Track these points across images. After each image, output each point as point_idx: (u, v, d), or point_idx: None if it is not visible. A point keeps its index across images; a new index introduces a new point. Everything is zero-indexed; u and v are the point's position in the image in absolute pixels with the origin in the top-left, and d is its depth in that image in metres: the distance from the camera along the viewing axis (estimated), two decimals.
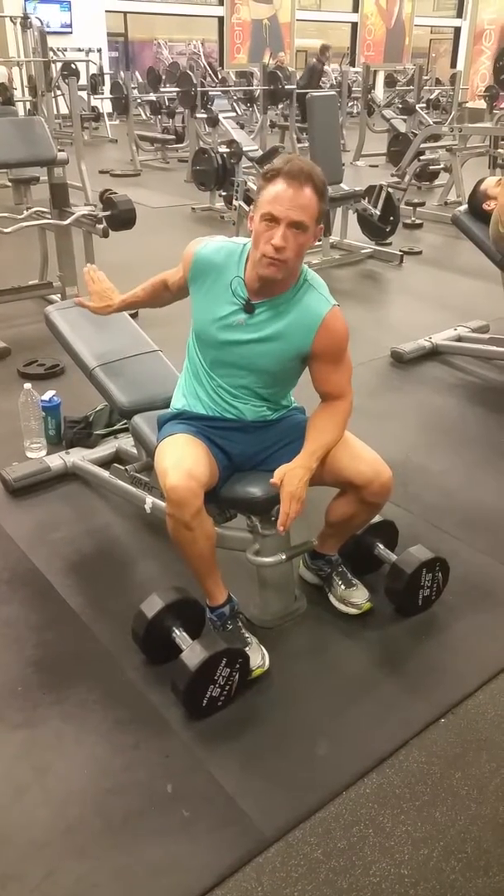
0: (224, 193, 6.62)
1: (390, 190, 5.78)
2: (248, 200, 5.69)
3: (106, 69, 14.32)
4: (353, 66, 16.20)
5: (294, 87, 10.28)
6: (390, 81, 15.02)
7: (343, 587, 2.07)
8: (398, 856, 1.45)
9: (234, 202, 5.90)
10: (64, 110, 10.70)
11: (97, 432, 2.87)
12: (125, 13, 16.67)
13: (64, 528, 2.43)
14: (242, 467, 1.90)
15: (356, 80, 12.46)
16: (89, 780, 1.59)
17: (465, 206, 3.80)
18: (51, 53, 9.85)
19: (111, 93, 11.78)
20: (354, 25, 20.03)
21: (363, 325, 4.40)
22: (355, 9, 19.88)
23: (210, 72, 13.28)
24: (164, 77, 11.81)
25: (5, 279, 4.47)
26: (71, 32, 14.87)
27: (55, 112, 9.97)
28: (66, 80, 9.57)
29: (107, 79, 13.41)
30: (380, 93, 14.16)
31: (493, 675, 1.87)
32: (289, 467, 1.74)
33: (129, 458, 2.64)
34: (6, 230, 3.97)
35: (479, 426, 3.24)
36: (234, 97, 11.33)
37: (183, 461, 1.70)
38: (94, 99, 12.85)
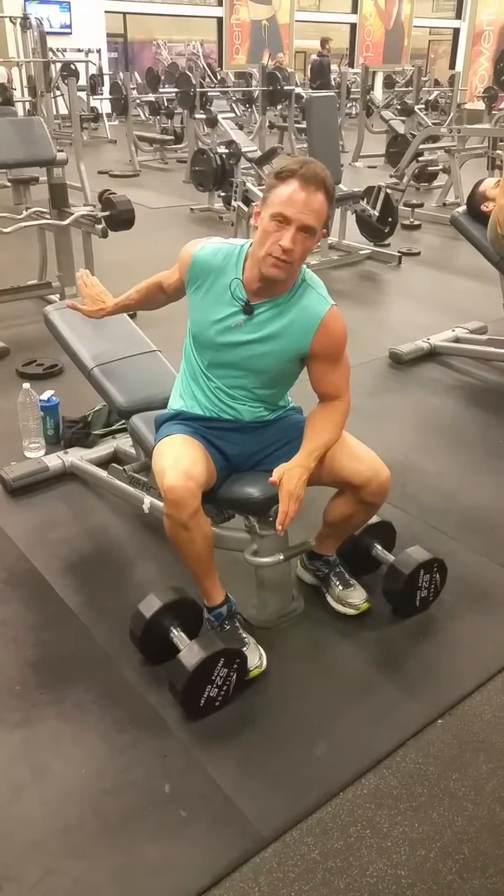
0: (223, 194, 6.62)
1: (389, 191, 5.79)
2: (247, 201, 5.69)
3: (105, 70, 14.33)
4: (352, 67, 16.23)
5: (293, 87, 10.29)
6: (389, 82, 15.04)
7: (340, 588, 2.07)
8: (395, 856, 1.45)
9: (233, 203, 5.90)
10: (63, 111, 10.70)
11: (95, 432, 2.87)
12: (124, 14, 16.68)
13: (62, 528, 2.43)
14: (240, 468, 1.90)
15: (355, 80, 12.48)
16: (87, 780, 1.59)
17: (463, 208, 3.81)
18: (50, 54, 9.86)
19: (110, 93, 11.79)
20: (353, 26, 20.05)
21: (361, 326, 4.40)
22: (354, 10, 19.90)
23: (209, 72, 13.28)
24: (163, 78, 11.80)
25: (4, 279, 4.47)
26: (70, 33, 14.87)
27: (54, 112, 9.98)
28: (66, 81, 9.58)
29: (106, 79, 13.42)
30: (378, 94, 14.17)
31: (490, 677, 1.87)
32: (287, 466, 1.74)
33: (127, 459, 2.64)
34: (5, 230, 3.97)
35: (476, 427, 3.24)
36: (233, 98, 11.32)
37: (180, 461, 1.70)
38: (94, 99, 12.86)
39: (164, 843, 1.47)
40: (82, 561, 2.29)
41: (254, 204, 1.76)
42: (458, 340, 3.98)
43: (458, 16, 21.45)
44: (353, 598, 2.05)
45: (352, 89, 12.58)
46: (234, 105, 11.16)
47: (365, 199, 5.71)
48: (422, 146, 7.18)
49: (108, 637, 1.96)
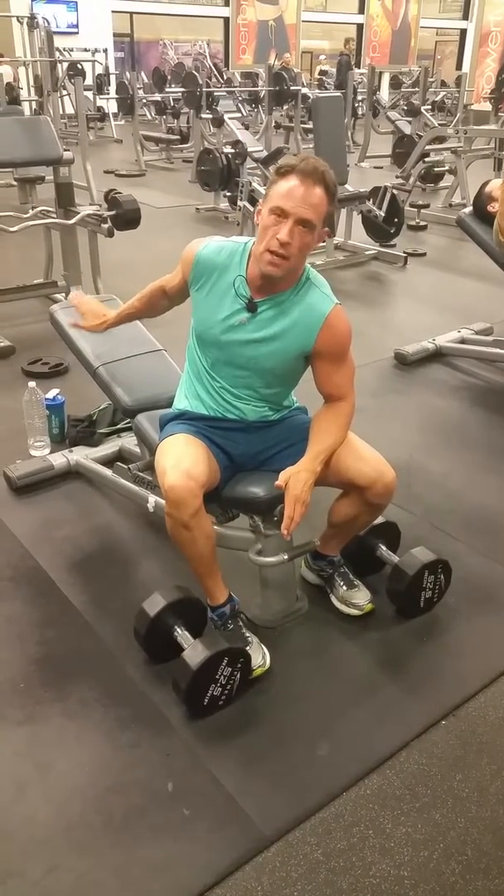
0: (228, 194, 6.62)
1: (395, 191, 5.79)
2: (253, 201, 5.69)
3: (112, 69, 14.35)
4: (359, 68, 16.20)
5: (299, 87, 10.29)
6: (395, 83, 15.06)
7: (345, 588, 2.07)
8: (398, 857, 1.45)
9: (239, 203, 5.90)
10: (70, 110, 10.73)
11: (100, 431, 2.88)
12: (131, 13, 16.68)
13: (67, 527, 2.44)
14: (244, 467, 1.90)
15: (361, 81, 12.47)
16: (90, 778, 1.59)
17: (469, 209, 3.80)
18: (57, 53, 9.87)
19: (117, 93, 11.81)
20: (360, 27, 20.02)
21: (367, 327, 4.40)
22: (361, 10, 19.87)
23: (215, 72, 13.28)
24: (169, 77, 11.82)
25: (10, 278, 4.49)
26: (77, 33, 14.88)
27: (61, 112, 10.01)
28: (72, 80, 9.59)
29: (112, 79, 13.44)
30: (385, 94, 14.18)
31: (494, 678, 1.87)
32: (293, 470, 1.74)
33: (132, 457, 2.64)
34: (12, 229, 3.98)
35: (482, 428, 3.24)
36: (240, 98, 11.34)
37: (182, 461, 1.70)
38: (100, 99, 12.87)
39: (167, 841, 1.47)
40: (87, 559, 2.30)
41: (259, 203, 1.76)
42: (463, 341, 3.98)
43: (465, 17, 21.42)
44: (357, 598, 2.05)
45: (358, 89, 12.57)
46: (240, 105, 11.18)
47: (371, 200, 5.71)
48: (428, 147, 7.18)
49: (112, 635, 1.97)
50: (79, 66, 11.99)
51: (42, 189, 6.60)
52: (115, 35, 16.07)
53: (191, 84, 8.91)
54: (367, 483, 1.81)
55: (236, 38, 17.78)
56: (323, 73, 14.82)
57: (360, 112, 11.94)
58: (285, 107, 10.84)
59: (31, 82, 11.24)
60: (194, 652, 1.69)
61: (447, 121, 11.30)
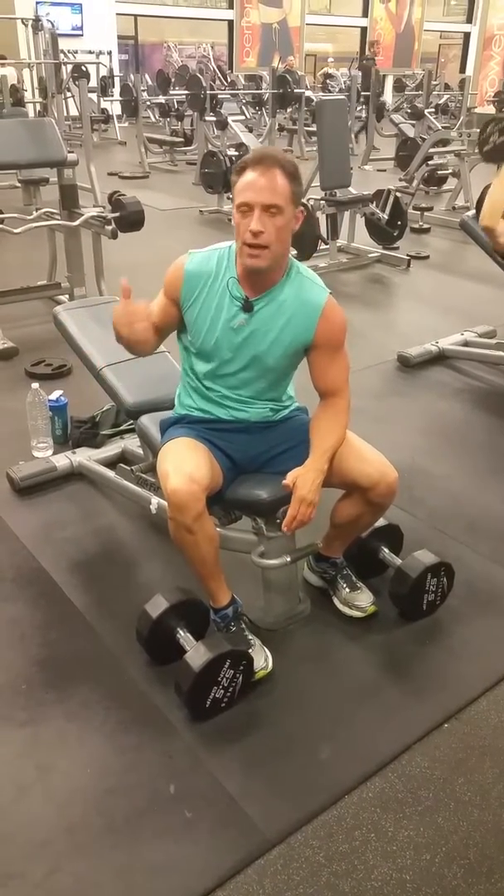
0: (232, 196, 6.63)
1: (398, 194, 5.79)
2: None
3: (116, 72, 14.38)
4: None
5: (303, 90, 10.31)
6: (399, 86, 15.05)
7: (347, 590, 2.06)
8: (400, 860, 1.45)
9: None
10: (74, 112, 10.73)
11: (103, 432, 2.88)
12: (136, 16, 16.73)
13: (69, 528, 2.44)
14: (246, 469, 1.90)
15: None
16: (92, 780, 1.59)
17: (473, 212, 3.79)
18: (61, 56, 9.90)
19: (121, 95, 11.82)
20: (364, 30, 20.05)
21: (370, 329, 4.40)
22: (365, 13, 19.91)
23: (219, 75, 13.31)
24: (173, 80, 11.84)
25: (14, 279, 4.49)
26: (82, 35, 14.93)
27: (65, 114, 10.02)
28: (77, 83, 9.60)
29: (117, 81, 13.46)
30: (388, 97, 14.18)
31: (497, 681, 1.87)
32: (301, 471, 1.74)
33: (134, 459, 2.64)
34: (16, 230, 3.99)
35: (485, 431, 3.23)
36: (243, 100, 11.33)
37: (184, 465, 1.70)
38: (104, 101, 12.90)
39: (169, 843, 1.46)
40: (89, 561, 2.30)
41: None
42: (466, 344, 3.97)
43: (469, 20, 21.44)
44: (359, 600, 2.05)
45: (362, 93, 12.57)
46: (244, 108, 11.17)
47: (374, 203, 5.71)
48: (431, 150, 7.18)
49: (114, 637, 1.97)
50: (83, 68, 12.06)
51: (46, 191, 6.60)
52: (119, 37, 16.12)
53: (195, 87, 8.91)
54: (370, 484, 1.81)
55: (240, 40, 17.83)
56: (328, 76, 14.79)
57: (363, 115, 11.95)
58: (289, 109, 10.86)
59: (36, 84, 11.26)
60: (197, 654, 1.69)
61: (451, 124, 11.29)
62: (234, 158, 6.53)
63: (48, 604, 2.10)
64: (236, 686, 1.74)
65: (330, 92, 13.24)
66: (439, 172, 8.14)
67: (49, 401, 2.85)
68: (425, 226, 6.89)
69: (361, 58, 18.53)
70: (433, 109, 10.76)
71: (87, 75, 11.69)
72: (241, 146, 7.23)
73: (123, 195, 4.12)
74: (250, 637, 1.87)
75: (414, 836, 1.50)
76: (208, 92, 8.79)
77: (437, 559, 2.03)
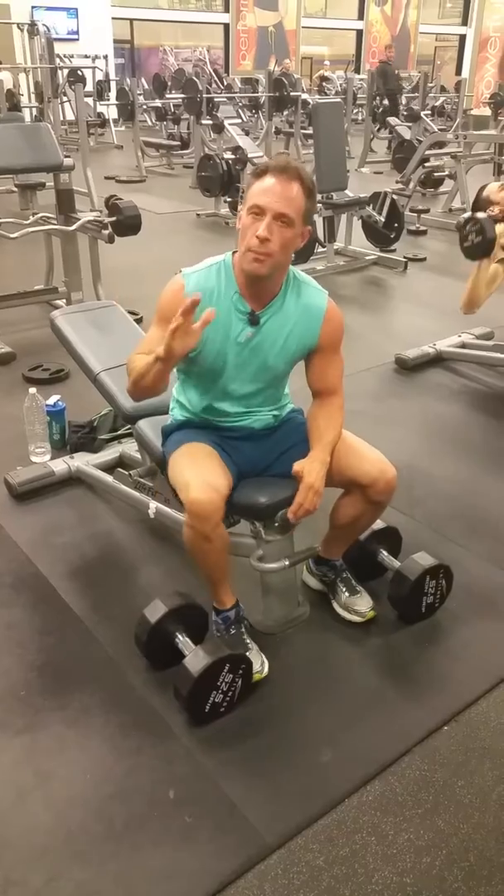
0: (229, 199, 6.64)
1: (395, 196, 5.80)
2: None
3: (112, 76, 14.38)
4: (359, 73, 16.26)
5: (299, 93, 10.32)
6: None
7: (347, 594, 2.06)
8: (400, 864, 1.45)
9: (239, 208, 5.92)
10: (70, 116, 10.77)
11: (101, 437, 2.87)
12: (131, 20, 16.76)
13: (67, 533, 2.43)
14: (248, 475, 1.90)
15: (361, 86, 12.50)
16: (91, 786, 1.59)
17: (469, 213, 3.80)
18: (57, 60, 9.91)
19: (117, 99, 11.83)
20: (360, 33, 20.10)
21: (367, 332, 4.40)
22: (361, 16, 19.96)
23: (215, 78, 13.33)
24: (169, 83, 11.86)
25: (11, 284, 4.49)
26: (77, 39, 14.95)
27: (61, 118, 10.04)
28: (73, 87, 9.63)
29: (113, 85, 13.46)
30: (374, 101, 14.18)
31: (496, 683, 1.86)
32: (307, 461, 1.76)
33: (132, 463, 2.64)
34: (12, 235, 3.99)
35: (483, 433, 3.23)
36: (240, 104, 11.37)
37: (203, 473, 1.69)
38: (100, 105, 12.90)
39: (169, 849, 1.46)
40: (88, 565, 2.30)
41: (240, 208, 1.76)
42: (464, 346, 3.98)
43: (465, 22, 21.50)
44: (359, 605, 2.05)
45: (358, 95, 12.60)
46: (240, 111, 11.21)
47: (371, 205, 5.72)
48: (428, 152, 7.19)
49: (113, 642, 1.96)
50: (79, 72, 12.07)
51: (43, 195, 6.62)
52: (115, 41, 16.14)
53: (191, 90, 8.93)
54: (369, 481, 1.82)
55: (236, 44, 17.86)
56: (324, 79, 14.82)
57: (359, 117, 11.96)
58: (285, 112, 10.88)
59: (32, 89, 11.28)
60: (196, 658, 1.68)
61: (447, 126, 11.32)
62: (230, 162, 6.54)
63: (46, 609, 2.10)
64: (235, 690, 1.74)
65: (326, 94, 13.27)
66: (436, 174, 8.16)
67: (46, 406, 2.85)
68: (422, 228, 6.90)
69: (357, 63, 18.59)
70: (429, 112, 10.78)
71: (83, 80, 11.68)
72: (237, 149, 7.22)
73: (120, 199, 4.12)
74: (248, 641, 1.87)
75: (414, 839, 1.49)
76: (205, 95, 8.81)
77: (436, 561, 2.03)
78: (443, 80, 17.26)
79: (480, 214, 3.44)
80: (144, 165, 9.98)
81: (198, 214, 7.27)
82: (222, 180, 6.57)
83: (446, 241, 6.53)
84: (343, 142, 6.47)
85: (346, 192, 5.53)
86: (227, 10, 17.66)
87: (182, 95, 9.38)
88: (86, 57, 13.38)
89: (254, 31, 18.03)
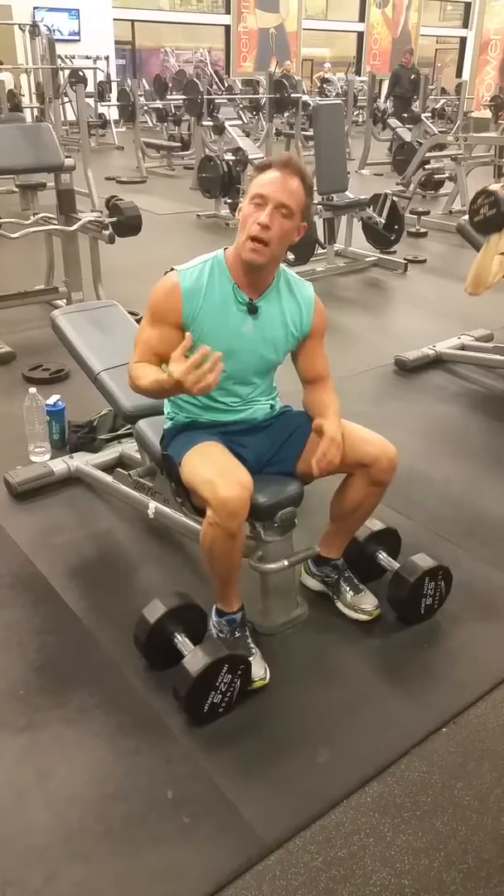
0: (229, 201, 6.64)
1: (395, 198, 5.80)
2: None
3: (113, 76, 14.39)
4: (359, 75, 16.27)
5: (300, 95, 10.33)
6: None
7: (352, 594, 2.07)
8: (399, 865, 1.45)
9: (240, 203, 5.92)
10: (71, 117, 10.77)
11: (101, 437, 2.87)
12: (133, 21, 16.77)
13: (67, 533, 2.43)
14: (253, 471, 1.89)
15: (362, 88, 12.51)
16: (90, 785, 1.59)
17: (481, 187, 3.78)
18: (59, 61, 9.91)
19: (118, 100, 11.85)
20: (360, 35, 20.12)
21: (367, 333, 4.41)
22: (361, 18, 19.98)
23: (216, 80, 13.33)
24: (170, 85, 11.86)
25: (12, 284, 4.49)
26: (79, 40, 14.95)
27: (62, 119, 10.04)
28: (74, 87, 9.64)
29: (114, 86, 13.47)
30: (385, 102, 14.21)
31: (495, 685, 1.87)
32: (324, 420, 1.80)
33: (132, 463, 2.64)
34: (13, 235, 3.99)
35: (482, 435, 3.24)
36: (240, 105, 11.37)
37: (228, 470, 1.69)
38: (101, 106, 12.91)
39: (167, 849, 1.46)
40: (87, 565, 2.30)
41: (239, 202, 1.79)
42: (463, 348, 3.98)
43: (465, 25, 21.52)
44: (365, 603, 2.05)
45: (358, 97, 12.61)
46: (241, 112, 11.21)
47: (371, 207, 5.72)
48: (428, 154, 7.20)
49: (112, 642, 1.96)
50: (80, 73, 12.07)
51: (43, 195, 6.62)
52: (116, 42, 16.15)
53: (192, 91, 8.93)
54: (371, 460, 1.86)
55: (237, 45, 17.87)
56: (325, 80, 14.83)
57: (360, 119, 11.96)
58: (286, 114, 10.89)
59: (33, 89, 11.29)
60: (194, 658, 1.68)
61: (447, 128, 11.33)
62: (231, 163, 6.55)
63: (46, 609, 2.10)
64: (234, 691, 1.74)
65: (327, 96, 13.28)
66: (436, 176, 8.17)
67: (46, 405, 2.85)
68: (422, 230, 6.91)
69: (358, 65, 18.60)
70: (430, 114, 10.79)
71: (84, 80, 11.70)
72: (238, 150, 7.24)
73: (121, 200, 4.13)
74: (252, 646, 1.86)
75: (412, 840, 1.49)
76: (205, 97, 8.81)
77: (436, 563, 2.03)
78: (443, 83, 17.27)
79: (494, 187, 3.37)
80: (145, 166, 9.99)
81: (198, 215, 7.27)
82: (223, 181, 6.58)
83: (446, 243, 6.54)
84: (343, 143, 6.48)
85: (347, 193, 5.54)
86: (228, 11, 17.67)
87: (183, 97, 9.38)
88: (87, 58, 13.38)
89: (255, 32, 18.04)
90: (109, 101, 12.91)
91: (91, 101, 12.04)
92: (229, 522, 1.64)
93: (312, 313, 1.87)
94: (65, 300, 4.37)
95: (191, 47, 17.91)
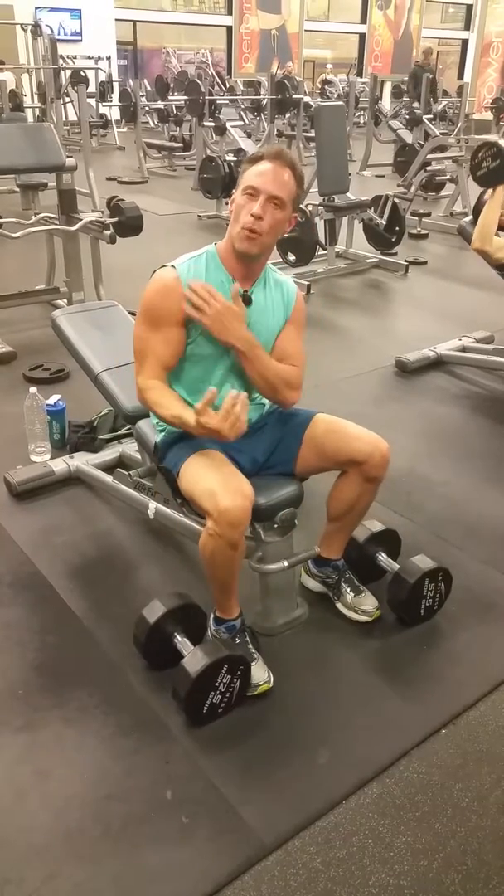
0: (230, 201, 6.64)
1: (396, 200, 5.80)
2: None
3: (115, 77, 14.42)
4: (361, 77, 16.29)
5: (302, 96, 10.34)
6: (397, 92, 15.11)
7: (352, 594, 2.07)
8: (398, 866, 1.45)
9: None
10: (73, 117, 10.76)
11: (101, 437, 2.87)
12: (134, 22, 16.79)
13: (67, 532, 2.43)
14: (249, 475, 1.89)
15: (363, 90, 12.52)
16: (89, 785, 1.59)
17: (470, 217, 3.82)
18: (60, 61, 9.92)
19: (119, 100, 11.88)
20: (362, 36, 20.14)
21: (367, 334, 4.41)
22: (363, 20, 20.00)
23: (218, 81, 13.35)
24: (172, 85, 11.87)
25: (13, 284, 4.50)
26: (81, 40, 14.98)
27: (64, 119, 10.04)
28: (76, 88, 9.65)
29: (115, 86, 13.49)
30: (387, 103, 14.23)
31: (494, 687, 1.86)
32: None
33: (132, 463, 2.64)
34: (14, 235, 3.99)
35: (482, 437, 3.24)
36: (242, 106, 11.38)
37: (228, 480, 1.68)
38: (103, 106, 12.92)
39: (166, 849, 1.46)
40: (87, 565, 2.30)
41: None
42: (464, 350, 3.98)
43: (467, 27, 21.54)
44: (365, 604, 2.05)
45: (360, 98, 12.62)
46: (242, 113, 11.22)
47: (372, 208, 5.72)
48: (429, 156, 7.20)
49: (111, 642, 1.96)
50: (82, 73, 12.08)
51: (45, 195, 6.62)
52: (118, 43, 16.17)
53: (193, 92, 8.93)
54: (364, 457, 1.86)
55: (239, 46, 17.89)
56: (326, 82, 14.84)
57: (361, 121, 11.96)
58: (287, 115, 10.89)
59: (35, 89, 11.30)
60: (194, 659, 1.68)
61: (448, 130, 11.32)
62: (232, 164, 6.55)
63: (45, 608, 2.10)
64: (234, 691, 1.73)
65: (328, 98, 13.29)
66: (437, 178, 8.18)
67: (47, 405, 2.85)
68: (423, 231, 6.91)
69: (359, 66, 18.60)
70: (431, 116, 10.80)
71: (85, 80, 11.71)
72: (239, 151, 7.24)
73: (122, 200, 4.13)
74: (253, 651, 1.85)
75: (411, 842, 1.49)
76: (207, 97, 8.81)
77: (435, 564, 2.03)
78: (444, 85, 17.28)
79: (494, 137, 3.36)
80: (146, 167, 9.99)
81: (199, 216, 7.28)
82: (224, 182, 6.57)
83: (447, 245, 6.54)
84: (345, 145, 6.48)
85: (348, 195, 5.54)
86: (230, 12, 17.69)
87: (184, 97, 9.38)
88: (89, 58, 13.40)
89: (256, 33, 18.06)
90: (111, 101, 12.93)
91: (92, 101, 12.04)
92: (230, 533, 1.63)
93: (294, 301, 1.91)
94: (66, 300, 4.37)
95: (193, 48, 17.93)
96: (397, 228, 5.82)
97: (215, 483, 1.67)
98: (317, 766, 1.65)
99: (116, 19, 15.94)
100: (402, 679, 1.90)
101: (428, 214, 7.33)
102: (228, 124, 8.47)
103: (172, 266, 1.80)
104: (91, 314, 2.64)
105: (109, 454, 2.78)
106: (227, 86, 13.47)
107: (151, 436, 2.08)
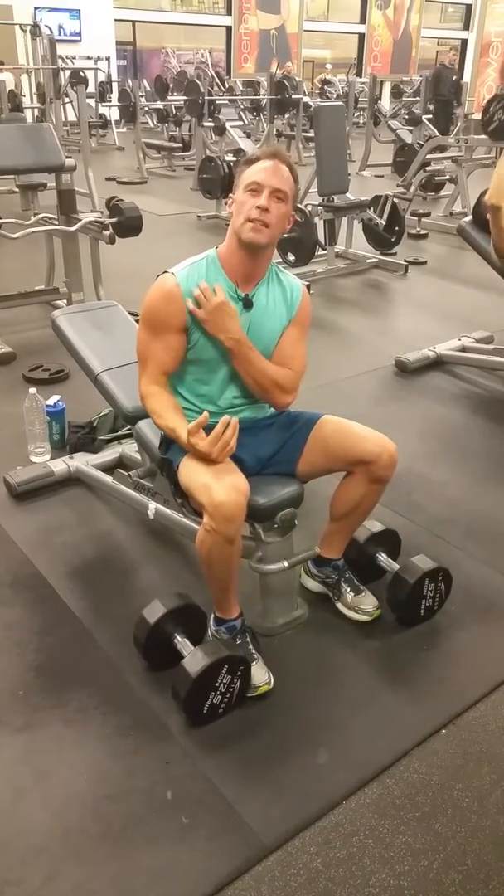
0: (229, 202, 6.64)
1: (396, 200, 5.81)
2: None
3: (114, 77, 14.41)
4: (360, 77, 16.29)
5: (301, 96, 10.34)
6: (396, 92, 15.11)
7: (352, 594, 2.06)
8: (398, 867, 1.45)
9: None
10: (72, 117, 10.77)
11: (101, 437, 2.87)
12: (134, 22, 16.79)
13: (67, 533, 2.43)
14: (251, 474, 1.89)
15: (363, 90, 12.52)
16: (89, 786, 1.59)
17: (469, 217, 3.81)
18: (60, 61, 9.92)
19: (119, 101, 11.86)
20: (361, 36, 20.15)
21: (367, 334, 4.41)
22: (363, 20, 20.01)
23: (217, 81, 13.33)
24: (171, 85, 11.86)
25: (12, 284, 4.50)
26: (80, 41, 14.98)
27: (63, 119, 10.04)
28: (75, 88, 9.65)
29: (115, 87, 13.49)
30: (386, 103, 14.23)
31: (494, 687, 1.86)
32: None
33: (132, 464, 2.64)
34: (13, 236, 3.99)
35: (482, 437, 3.24)
36: (241, 106, 11.38)
37: (223, 475, 1.68)
38: (102, 106, 12.93)
39: (165, 849, 1.46)
40: (87, 566, 2.30)
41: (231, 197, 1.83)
42: (464, 349, 3.98)
43: (466, 27, 21.54)
44: (365, 604, 2.05)
45: (359, 99, 12.62)
46: (242, 113, 11.22)
47: (372, 208, 5.72)
48: (429, 156, 7.21)
49: (111, 642, 1.96)
50: (81, 73, 12.09)
51: (44, 196, 6.62)
52: (117, 43, 16.17)
53: (193, 92, 8.94)
54: (372, 457, 1.86)
55: (238, 46, 17.90)
56: (326, 82, 14.85)
57: (361, 121, 11.96)
58: (287, 115, 10.89)
59: (34, 90, 11.30)
60: (194, 659, 1.68)
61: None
62: (231, 164, 6.55)
63: (45, 609, 2.10)
64: (234, 692, 1.73)
65: (328, 98, 13.30)
66: (437, 178, 8.18)
67: (46, 406, 2.85)
68: (423, 231, 6.91)
69: (359, 67, 18.60)
70: (430, 115, 10.80)
71: (85, 81, 11.72)
72: (238, 151, 7.25)
73: (121, 200, 4.13)
74: (253, 652, 1.85)
75: (412, 842, 1.49)
76: (206, 98, 8.81)
77: (435, 564, 2.03)
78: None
79: None
80: (146, 167, 9.99)
81: (199, 216, 7.28)
82: (223, 182, 6.57)
83: (447, 245, 6.54)
84: (344, 145, 6.48)
85: (348, 195, 5.54)
86: (229, 12, 17.69)
87: (184, 97, 9.39)
88: (88, 58, 13.40)
89: (256, 33, 18.06)
90: (110, 101, 12.93)
91: (92, 101, 12.05)
92: (226, 527, 1.63)
93: (300, 299, 1.91)
94: (65, 300, 4.37)
95: (192, 48, 17.93)
96: (397, 228, 5.82)
97: (211, 477, 1.68)
98: (317, 766, 1.65)
99: (115, 19, 15.94)
100: (402, 679, 1.90)
101: (427, 214, 7.33)
102: (228, 124, 8.48)
103: (172, 273, 1.80)
104: (91, 314, 2.64)
105: (109, 455, 2.78)
106: (227, 86, 13.45)
107: (151, 436, 2.08)
